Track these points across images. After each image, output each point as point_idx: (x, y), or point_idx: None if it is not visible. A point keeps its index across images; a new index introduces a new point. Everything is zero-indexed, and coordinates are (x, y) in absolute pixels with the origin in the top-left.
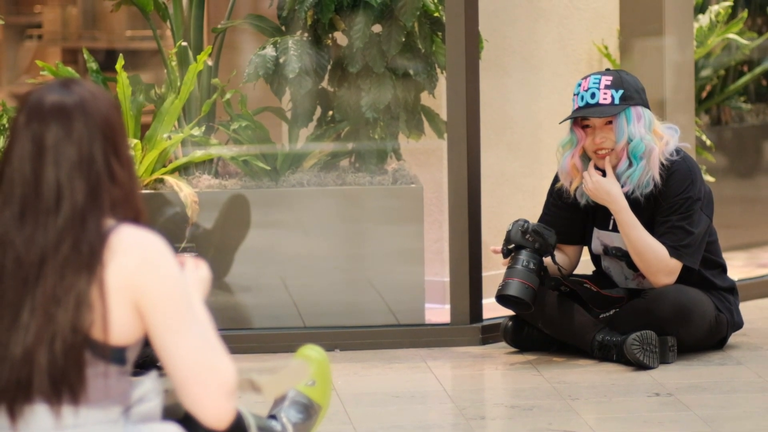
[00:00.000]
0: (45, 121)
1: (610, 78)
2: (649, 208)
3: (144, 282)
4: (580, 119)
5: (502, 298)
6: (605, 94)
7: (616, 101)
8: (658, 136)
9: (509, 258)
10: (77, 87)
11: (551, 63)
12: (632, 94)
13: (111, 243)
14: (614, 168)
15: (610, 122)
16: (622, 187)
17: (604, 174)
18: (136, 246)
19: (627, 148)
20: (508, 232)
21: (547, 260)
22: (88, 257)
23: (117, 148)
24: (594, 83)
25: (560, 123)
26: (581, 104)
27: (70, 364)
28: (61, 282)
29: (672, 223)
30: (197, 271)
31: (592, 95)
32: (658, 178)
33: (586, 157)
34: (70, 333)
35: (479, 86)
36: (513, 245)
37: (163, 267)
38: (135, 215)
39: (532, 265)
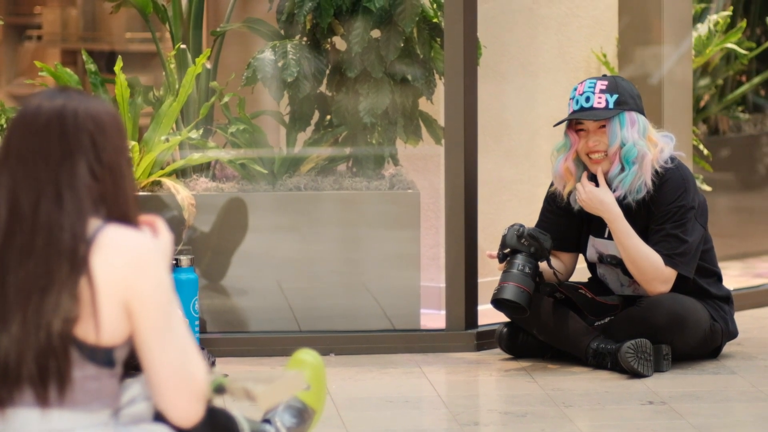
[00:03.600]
0: (27, 125)
1: (606, 83)
2: (642, 215)
3: (135, 281)
4: (574, 123)
5: (498, 302)
6: (600, 98)
7: (611, 105)
8: (653, 142)
9: (505, 263)
10: (70, 92)
11: (549, 70)
12: (627, 100)
13: (98, 241)
14: (606, 173)
15: (604, 126)
16: (614, 191)
17: (597, 185)
18: (127, 245)
19: (620, 152)
20: (504, 237)
21: (543, 265)
22: (70, 246)
23: (98, 148)
24: (589, 87)
25: (555, 126)
26: (576, 108)
27: (56, 354)
28: (44, 268)
29: (666, 231)
30: (159, 238)
31: (587, 99)
32: (650, 184)
33: (580, 161)
34: (57, 322)
35: (477, 92)
36: (509, 249)
37: (154, 267)
38: (122, 216)
39: (527, 270)
